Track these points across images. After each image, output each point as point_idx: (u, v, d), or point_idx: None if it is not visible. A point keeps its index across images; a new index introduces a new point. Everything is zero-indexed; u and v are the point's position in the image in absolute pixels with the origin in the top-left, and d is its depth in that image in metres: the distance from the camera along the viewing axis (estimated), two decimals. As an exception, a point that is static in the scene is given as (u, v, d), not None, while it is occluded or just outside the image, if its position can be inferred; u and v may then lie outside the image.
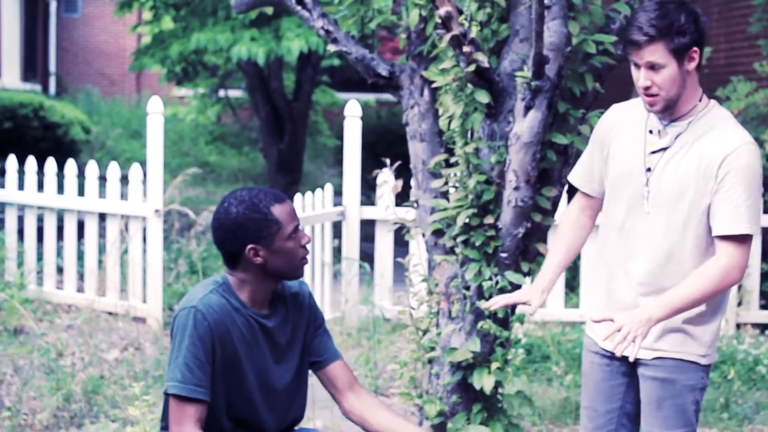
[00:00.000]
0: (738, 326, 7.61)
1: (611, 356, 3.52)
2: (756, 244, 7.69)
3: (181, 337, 3.17)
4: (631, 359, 3.22)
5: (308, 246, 3.29)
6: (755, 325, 7.64)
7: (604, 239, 3.54)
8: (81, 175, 7.88)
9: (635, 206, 3.42)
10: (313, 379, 3.49)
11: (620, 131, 3.48)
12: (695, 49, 3.28)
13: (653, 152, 3.38)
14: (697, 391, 3.45)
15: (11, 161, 8.20)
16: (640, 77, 3.31)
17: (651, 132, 3.40)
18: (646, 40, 3.25)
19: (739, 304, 7.63)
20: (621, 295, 3.46)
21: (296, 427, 3.47)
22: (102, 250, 8.03)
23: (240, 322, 3.24)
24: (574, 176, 3.66)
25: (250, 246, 3.20)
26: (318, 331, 3.44)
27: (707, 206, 3.31)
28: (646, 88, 3.31)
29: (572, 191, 3.65)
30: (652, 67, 3.28)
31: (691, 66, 3.30)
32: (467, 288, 4.09)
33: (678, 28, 3.24)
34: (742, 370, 6.54)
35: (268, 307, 3.32)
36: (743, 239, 3.28)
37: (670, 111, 3.35)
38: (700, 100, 3.37)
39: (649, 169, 3.38)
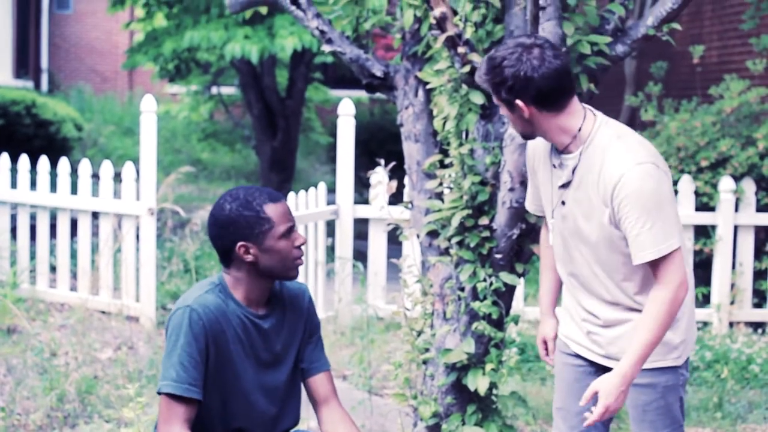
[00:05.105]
0: (731, 324, 7.62)
1: (583, 358, 3.55)
2: (748, 243, 7.70)
3: (176, 336, 3.17)
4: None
5: (303, 247, 3.28)
6: (748, 324, 7.65)
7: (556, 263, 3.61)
8: (74, 173, 7.86)
9: (557, 237, 3.45)
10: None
11: (539, 160, 3.49)
12: (517, 102, 3.23)
13: (561, 186, 3.38)
14: (679, 387, 3.47)
15: (3, 159, 8.17)
16: None
17: (555, 166, 3.39)
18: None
19: (732, 302, 7.63)
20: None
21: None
22: (95, 248, 8.01)
23: (235, 322, 3.24)
24: (528, 204, 3.69)
25: (240, 243, 3.20)
26: (311, 339, 3.44)
27: (611, 229, 3.27)
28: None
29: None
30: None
31: (526, 114, 3.25)
32: (462, 289, 4.09)
33: (493, 85, 3.26)
34: (735, 368, 6.55)
35: (265, 308, 3.32)
36: (667, 258, 3.21)
37: (555, 143, 3.33)
38: (579, 129, 3.27)
39: (563, 203, 3.39)
